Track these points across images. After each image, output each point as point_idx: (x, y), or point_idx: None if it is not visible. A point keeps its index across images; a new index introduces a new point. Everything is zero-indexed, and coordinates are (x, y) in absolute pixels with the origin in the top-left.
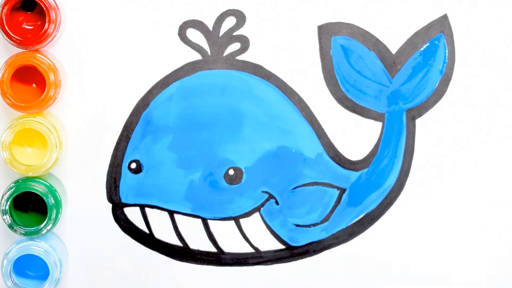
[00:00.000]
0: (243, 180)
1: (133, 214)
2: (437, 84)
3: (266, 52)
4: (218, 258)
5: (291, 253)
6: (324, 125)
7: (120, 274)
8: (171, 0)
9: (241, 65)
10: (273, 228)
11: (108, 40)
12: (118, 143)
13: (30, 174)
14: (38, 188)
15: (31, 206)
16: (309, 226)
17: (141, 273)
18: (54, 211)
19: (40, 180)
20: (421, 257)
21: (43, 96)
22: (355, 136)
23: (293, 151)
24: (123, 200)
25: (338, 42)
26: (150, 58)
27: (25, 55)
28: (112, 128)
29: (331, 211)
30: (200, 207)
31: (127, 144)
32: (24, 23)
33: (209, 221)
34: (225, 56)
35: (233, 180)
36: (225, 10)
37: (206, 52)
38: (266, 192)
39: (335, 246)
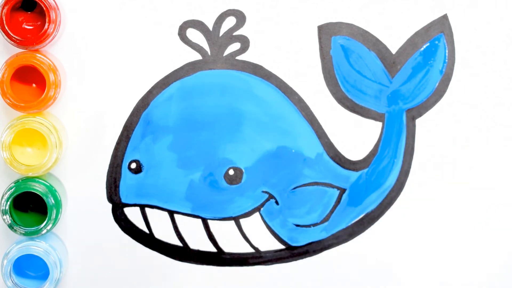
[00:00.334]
0: (243, 180)
1: (133, 214)
2: (437, 84)
3: (266, 52)
4: (218, 258)
5: (291, 253)
6: (324, 125)
7: (120, 274)
8: (171, 0)
9: (241, 65)
10: (273, 228)
11: (108, 40)
12: (118, 143)
13: (30, 174)
14: (38, 188)
15: (31, 206)
16: (309, 226)
17: (141, 273)
18: (54, 211)
19: (40, 180)
20: (421, 257)
21: (43, 96)
22: (355, 136)
23: (293, 151)
24: (123, 200)
25: (338, 42)
26: (150, 58)
27: (25, 55)
28: (112, 128)
29: (331, 211)
30: (200, 207)
31: (127, 144)
32: (24, 23)
33: (209, 221)
34: (225, 56)
35: (233, 180)
36: (225, 10)
37: (206, 52)
38: (266, 192)
39: (335, 246)
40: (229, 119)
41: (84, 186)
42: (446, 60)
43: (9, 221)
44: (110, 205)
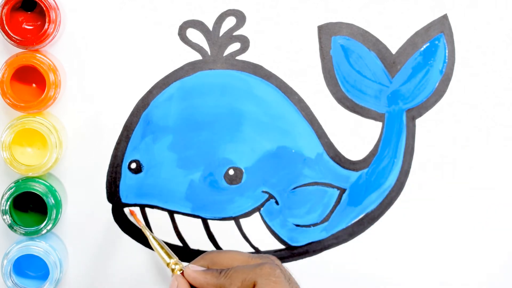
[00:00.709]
0: (243, 180)
1: None
2: (437, 84)
3: (266, 52)
4: None
5: (291, 253)
6: (324, 125)
7: (120, 274)
8: (171, 0)
9: (241, 65)
10: (273, 228)
11: (108, 40)
12: (118, 143)
13: (30, 174)
14: (38, 188)
15: (31, 206)
16: (309, 226)
17: (141, 273)
18: (54, 211)
19: (40, 180)
20: (421, 257)
21: (43, 96)
22: (355, 136)
23: (293, 151)
24: (123, 200)
25: (338, 42)
26: (150, 58)
27: (25, 55)
28: (112, 128)
29: (331, 211)
30: (200, 207)
31: (127, 144)
32: (24, 23)
33: (209, 221)
34: (225, 56)
35: (233, 180)
36: (225, 10)
37: (206, 52)
38: (266, 192)
39: (335, 246)
40: (229, 119)
41: (84, 186)
42: (446, 60)
43: (9, 221)
44: (110, 205)
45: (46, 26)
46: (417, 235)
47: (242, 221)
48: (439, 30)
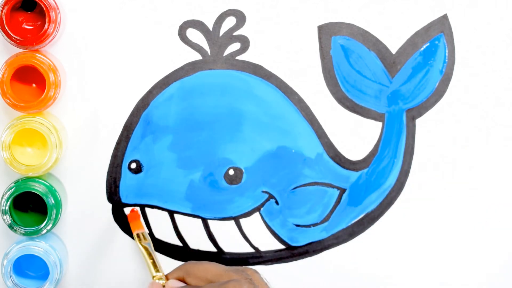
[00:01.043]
0: (243, 180)
1: None
2: (437, 84)
3: (266, 52)
4: (218, 258)
5: (291, 253)
6: (324, 125)
7: (120, 274)
8: (171, 0)
9: (241, 65)
10: (273, 228)
11: (108, 40)
12: (118, 143)
13: (30, 174)
14: (38, 188)
15: (31, 206)
16: (309, 226)
17: (141, 273)
18: (54, 211)
19: (40, 180)
20: (421, 257)
21: (43, 96)
22: (355, 136)
23: (293, 151)
24: (123, 200)
25: (338, 42)
26: (150, 58)
27: (25, 55)
28: (112, 128)
29: (331, 211)
30: (200, 207)
31: (127, 144)
32: (24, 23)
33: (209, 221)
34: (225, 56)
35: (233, 180)
36: (225, 10)
37: (206, 52)
38: (266, 192)
39: (335, 246)
40: (229, 119)
41: (84, 186)
42: (446, 60)
43: (9, 221)
44: (110, 205)
45: (46, 26)
46: (417, 235)
47: (242, 221)
48: (439, 30)
